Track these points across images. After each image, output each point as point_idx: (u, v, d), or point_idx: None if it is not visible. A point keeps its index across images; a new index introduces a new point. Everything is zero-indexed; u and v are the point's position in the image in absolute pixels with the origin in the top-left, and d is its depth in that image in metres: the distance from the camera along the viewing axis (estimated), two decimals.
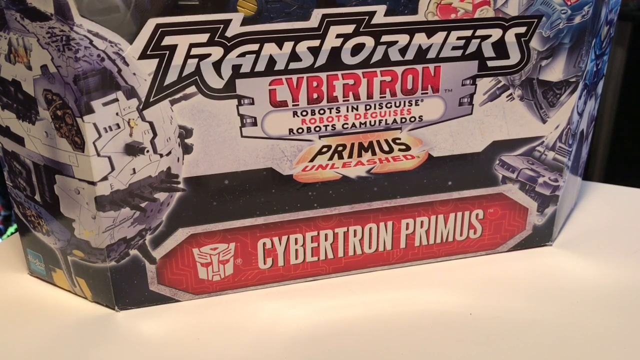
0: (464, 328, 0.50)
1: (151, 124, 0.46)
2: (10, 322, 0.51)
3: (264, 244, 0.53)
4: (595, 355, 0.47)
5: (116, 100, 0.45)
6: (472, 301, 0.53)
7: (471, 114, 0.53)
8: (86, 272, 0.52)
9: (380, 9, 0.47)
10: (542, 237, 0.61)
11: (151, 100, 0.45)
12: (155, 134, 0.47)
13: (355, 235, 0.55)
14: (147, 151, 0.47)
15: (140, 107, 0.45)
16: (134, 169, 0.47)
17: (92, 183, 0.46)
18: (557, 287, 0.55)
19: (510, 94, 0.53)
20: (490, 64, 0.51)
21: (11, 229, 2.41)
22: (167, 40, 0.44)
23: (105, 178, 0.46)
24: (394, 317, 0.51)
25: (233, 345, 0.48)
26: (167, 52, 0.44)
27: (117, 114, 0.45)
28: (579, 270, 0.58)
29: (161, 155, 0.47)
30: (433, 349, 0.47)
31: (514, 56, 0.52)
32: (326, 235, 0.54)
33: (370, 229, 0.55)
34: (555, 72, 0.53)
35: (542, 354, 0.47)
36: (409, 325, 0.50)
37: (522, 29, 0.51)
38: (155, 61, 0.44)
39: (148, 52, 0.44)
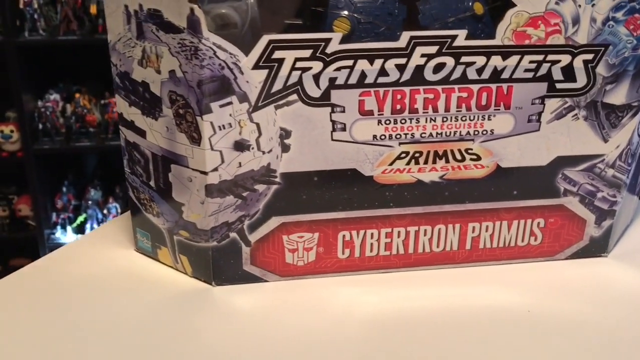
0: (523, 323, 0.55)
1: (258, 125, 0.54)
2: (122, 291, 0.59)
3: (344, 236, 0.60)
4: None
5: (231, 103, 0.52)
6: (530, 301, 0.58)
7: (538, 130, 0.58)
8: (189, 250, 0.59)
9: (462, 33, 0.54)
10: (598, 248, 0.65)
11: (259, 104, 0.53)
12: (260, 134, 0.54)
13: (425, 235, 0.61)
14: (252, 148, 0.54)
15: (250, 110, 0.53)
16: (240, 163, 0.55)
17: (204, 173, 0.54)
18: (611, 295, 0.59)
19: (576, 114, 0.58)
20: (558, 86, 0.57)
21: (80, 218, 2.54)
22: (277, 54, 0.52)
23: (215, 169, 0.54)
24: (458, 309, 0.57)
25: (313, 324, 0.55)
26: (276, 64, 0.52)
27: (230, 114, 0.53)
28: (632, 281, 0.62)
29: (263, 152, 0.55)
30: (494, 340, 0.53)
31: (581, 80, 0.57)
32: (399, 232, 0.61)
33: (439, 229, 0.61)
34: (618, 96, 0.58)
35: (593, 350, 0.52)
36: (472, 318, 0.56)
37: (590, 56, 0.56)
38: (266, 71, 0.52)
39: (260, 64, 0.52)
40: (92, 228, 2.43)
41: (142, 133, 0.57)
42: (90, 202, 2.47)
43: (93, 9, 2.24)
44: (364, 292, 0.59)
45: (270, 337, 0.53)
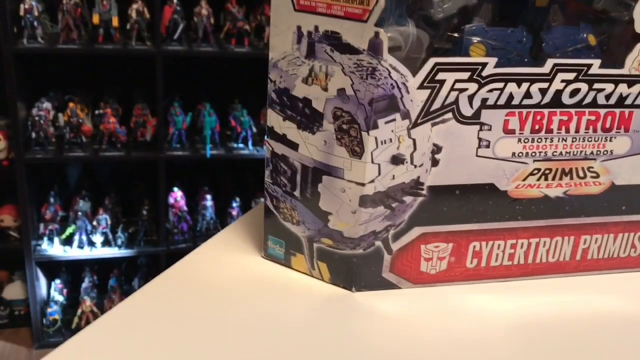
0: None
1: (414, 141, 0.58)
2: (265, 296, 0.62)
3: (474, 246, 0.64)
4: None
5: (394, 120, 0.56)
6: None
7: None
8: (330, 257, 0.62)
9: (596, 62, 0.59)
10: None
11: (418, 122, 0.57)
12: (415, 149, 0.58)
13: (544, 246, 0.66)
14: (406, 162, 0.58)
15: (410, 126, 0.57)
16: (393, 176, 0.58)
17: (361, 184, 0.58)
18: None
19: None
20: None
21: (69, 230, 2.49)
22: (440, 76, 0.56)
23: (372, 181, 0.58)
24: (585, 316, 0.62)
25: (454, 327, 0.59)
26: (438, 85, 0.56)
27: (392, 130, 0.56)
28: None
29: (415, 166, 0.59)
30: (632, 348, 0.58)
31: None
32: (522, 243, 0.65)
33: (557, 241, 0.66)
34: None
35: None
36: (599, 324, 0.61)
37: None
38: (428, 91, 0.56)
39: (425, 84, 0.56)
40: (80, 240, 2.40)
41: (294, 146, 0.60)
42: (79, 214, 2.42)
43: (95, 19, 2.23)
44: (493, 299, 0.63)
45: (420, 337, 0.57)
